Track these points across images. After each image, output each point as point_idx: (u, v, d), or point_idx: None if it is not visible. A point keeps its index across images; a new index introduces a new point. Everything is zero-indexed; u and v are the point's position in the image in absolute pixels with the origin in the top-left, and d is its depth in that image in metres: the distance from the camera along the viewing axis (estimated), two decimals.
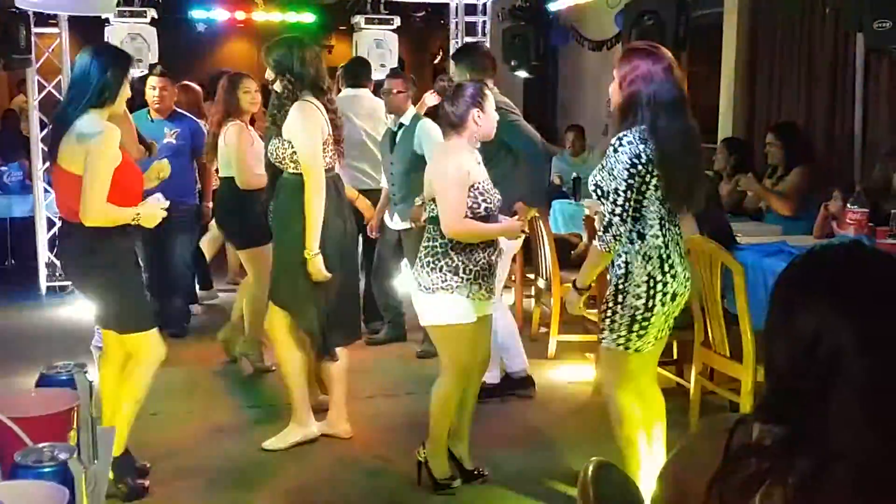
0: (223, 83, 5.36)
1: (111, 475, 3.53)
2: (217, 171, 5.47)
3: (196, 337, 6.12)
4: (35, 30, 7.18)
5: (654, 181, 3.22)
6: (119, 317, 3.75)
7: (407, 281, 3.90)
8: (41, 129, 7.32)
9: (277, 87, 4.13)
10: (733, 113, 6.99)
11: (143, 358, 3.79)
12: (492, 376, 4.71)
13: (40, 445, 1.57)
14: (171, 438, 4.47)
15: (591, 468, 1.62)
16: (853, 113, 5.84)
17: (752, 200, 5.94)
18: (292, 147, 4.05)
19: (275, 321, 4.30)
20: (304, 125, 4.03)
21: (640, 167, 3.18)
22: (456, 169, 3.68)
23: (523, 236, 4.15)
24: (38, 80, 7.44)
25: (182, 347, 5.66)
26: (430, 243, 3.74)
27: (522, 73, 8.26)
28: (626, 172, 3.18)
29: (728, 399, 4.35)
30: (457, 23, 8.61)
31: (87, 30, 8.05)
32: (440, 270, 3.67)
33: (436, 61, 12.56)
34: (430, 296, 3.71)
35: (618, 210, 3.22)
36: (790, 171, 5.68)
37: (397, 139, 5.44)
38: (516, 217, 4.33)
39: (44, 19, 7.39)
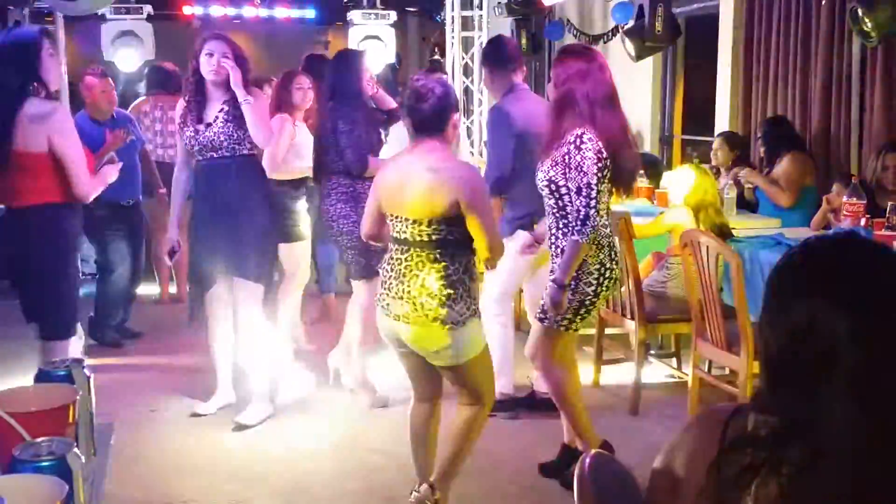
0: (277, 78, 5.50)
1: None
2: None
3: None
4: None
5: (607, 174, 3.48)
6: (56, 318, 3.81)
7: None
8: None
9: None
10: (730, 106, 6.98)
11: None
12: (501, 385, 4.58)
13: (38, 440, 1.57)
14: (170, 434, 4.47)
15: (587, 459, 1.62)
16: (850, 105, 5.84)
17: (749, 192, 5.98)
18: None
19: (254, 300, 4.48)
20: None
21: (602, 161, 3.44)
22: (484, 182, 3.35)
23: None
24: None
25: (177, 339, 5.67)
26: (441, 273, 3.19)
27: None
28: (595, 167, 3.43)
29: (725, 391, 4.36)
30: (453, 17, 8.61)
31: (84, 26, 8.05)
32: (462, 298, 3.23)
33: (433, 56, 12.53)
34: (461, 329, 3.23)
35: (593, 203, 3.44)
36: (775, 162, 5.80)
37: None
38: None
39: (41, 16, 7.38)
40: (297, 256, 5.36)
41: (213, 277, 4.52)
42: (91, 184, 3.85)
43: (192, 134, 4.41)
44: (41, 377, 1.90)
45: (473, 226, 3.19)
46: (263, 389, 4.60)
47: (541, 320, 3.69)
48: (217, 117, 4.37)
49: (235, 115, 4.36)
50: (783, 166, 5.72)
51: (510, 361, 4.68)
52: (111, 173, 4.09)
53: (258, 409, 4.57)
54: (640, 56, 6.78)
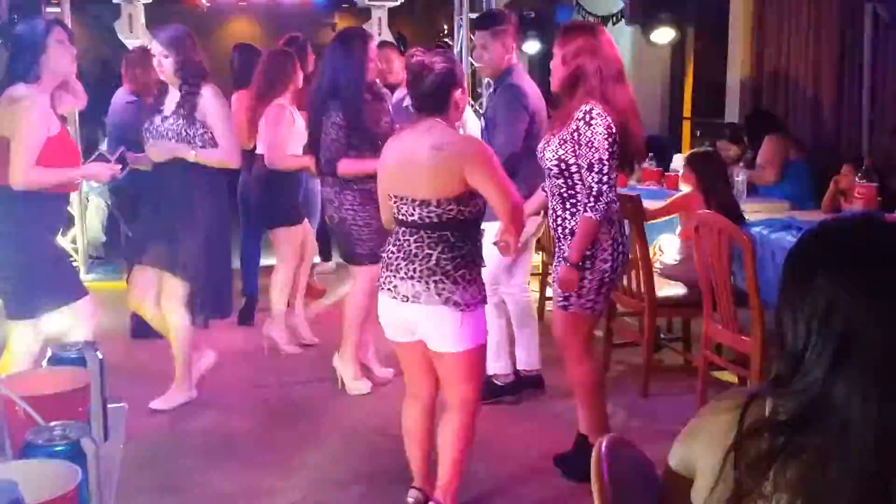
0: (266, 56, 5.44)
1: None
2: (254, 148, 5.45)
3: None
4: None
5: (616, 149, 3.42)
6: (14, 294, 3.77)
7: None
8: None
9: (175, 77, 4.31)
10: (740, 88, 6.94)
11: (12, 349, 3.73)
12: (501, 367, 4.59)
13: (52, 424, 1.56)
14: (179, 419, 4.49)
15: (603, 444, 1.61)
16: (861, 88, 5.80)
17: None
18: (205, 128, 4.28)
19: (175, 294, 4.40)
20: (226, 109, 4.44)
21: (612, 136, 3.39)
22: (491, 149, 3.26)
23: None
24: None
25: None
26: (455, 252, 3.07)
27: (528, 49, 8.22)
28: (606, 142, 3.38)
29: (736, 375, 4.35)
30: None
31: (90, 8, 8.00)
32: (476, 280, 3.13)
33: (442, 38, 12.46)
34: (470, 314, 3.09)
35: (605, 178, 3.40)
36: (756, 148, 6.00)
37: None
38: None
39: None
40: (290, 239, 5.36)
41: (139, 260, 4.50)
42: (27, 174, 3.64)
43: (148, 125, 4.37)
44: (54, 360, 1.89)
45: (487, 190, 3.05)
46: (181, 377, 4.56)
47: (564, 307, 3.59)
48: (172, 111, 4.32)
49: (186, 113, 4.28)
50: (762, 148, 5.88)
51: (506, 345, 4.61)
52: (89, 170, 3.94)
53: (173, 397, 4.54)
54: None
